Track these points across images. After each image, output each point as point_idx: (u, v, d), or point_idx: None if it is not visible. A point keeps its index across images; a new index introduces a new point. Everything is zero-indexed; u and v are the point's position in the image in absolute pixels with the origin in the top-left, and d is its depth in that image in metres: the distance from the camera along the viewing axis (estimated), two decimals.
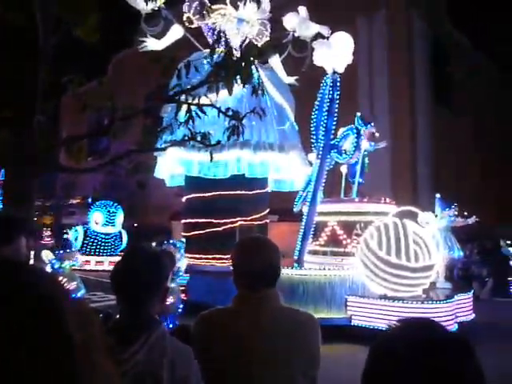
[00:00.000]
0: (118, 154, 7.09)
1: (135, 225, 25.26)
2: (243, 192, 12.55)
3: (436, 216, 10.24)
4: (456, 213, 10.51)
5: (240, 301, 2.02)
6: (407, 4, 23.37)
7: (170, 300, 7.28)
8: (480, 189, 25.63)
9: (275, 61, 13.25)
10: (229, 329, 1.96)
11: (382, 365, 0.93)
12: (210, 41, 12.77)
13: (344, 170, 11.41)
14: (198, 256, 12.19)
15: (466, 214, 10.91)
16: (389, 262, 8.40)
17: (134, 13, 11.52)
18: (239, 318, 1.96)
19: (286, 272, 9.38)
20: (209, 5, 13.49)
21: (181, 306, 7.73)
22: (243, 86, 5.75)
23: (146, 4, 10.28)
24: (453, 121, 24.86)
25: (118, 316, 1.84)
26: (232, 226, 12.46)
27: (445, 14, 26.67)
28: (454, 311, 8.75)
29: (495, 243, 17.11)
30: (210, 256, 12.07)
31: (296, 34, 12.62)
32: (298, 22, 12.30)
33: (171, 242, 8.43)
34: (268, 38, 13.33)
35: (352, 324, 8.86)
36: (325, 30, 11.94)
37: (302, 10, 12.65)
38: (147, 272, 1.83)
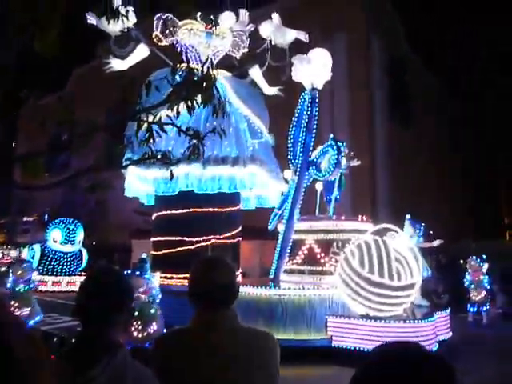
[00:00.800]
0: (79, 170, 6.75)
1: (93, 243, 24.48)
2: (216, 209, 12.18)
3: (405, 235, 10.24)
4: (424, 234, 10.62)
5: (196, 321, 2.00)
6: (367, 28, 24.38)
7: (153, 327, 6.90)
8: (436, 202, 26.48)
9: (255, 72, 13.07)
10: (186, 349, 1.93)
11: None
12: (184, 57, 12.55)
13: (319, 187, 11.27)
14: (168, 276, 11.64)
15: (431, 233, 11.05)
16: (372, 281, 8.25)
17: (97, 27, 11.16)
18: (195, 339, 1.95)
19: (265, 292, 9.10)
20: (177, 21, 13.29)
21: (164, 330, 7.33)
22: (204, 107, 5.60)
23: (108, 23, 9.94)
24: (408, 136, 25.90)
25: (73, 340, 1.76)
26: (204, 244, 12.06)
27: (402, 38, 27.85)
28: (435, 330, 8.70)
29: (450, 259, 17.43)
30: (182, 276, 11.55)
31: (273, 43, 12.44)
32: (272, 30, 12.14)
33: (144, 275, 7.93)
34: (246, 50, 13.16)
35: (333, 345, 8.61)
36: (302, 36, 11.82)
37: (275, 16, 12.48)
38: (113, 293, 1.80)
